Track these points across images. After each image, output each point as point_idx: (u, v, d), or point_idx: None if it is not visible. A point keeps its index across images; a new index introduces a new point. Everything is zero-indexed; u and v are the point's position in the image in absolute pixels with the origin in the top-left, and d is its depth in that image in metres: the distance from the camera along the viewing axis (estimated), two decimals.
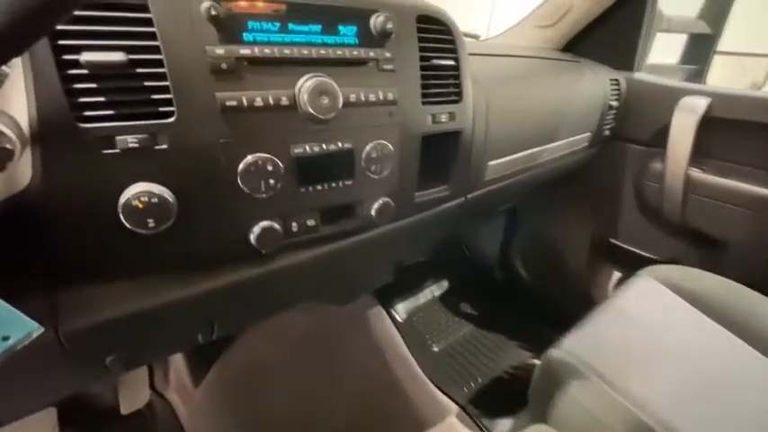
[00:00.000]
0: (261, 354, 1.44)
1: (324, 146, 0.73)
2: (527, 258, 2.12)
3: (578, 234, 1.84)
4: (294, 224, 0.78)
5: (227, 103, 0.62)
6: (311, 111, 0.67)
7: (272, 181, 0.70)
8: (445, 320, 2.01)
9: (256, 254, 0.73)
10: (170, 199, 0.60)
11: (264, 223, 0.72)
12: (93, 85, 0.55)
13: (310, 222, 0.79)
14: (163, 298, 0.68)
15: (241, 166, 0.66)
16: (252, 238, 0.71)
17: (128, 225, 0.59)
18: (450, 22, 0.87)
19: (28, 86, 0.52)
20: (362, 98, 0.74)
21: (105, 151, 0.57)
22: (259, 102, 0.64)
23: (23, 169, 0.54)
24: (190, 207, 0.65)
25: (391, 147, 0.81)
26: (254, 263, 0.77)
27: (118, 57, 0.55)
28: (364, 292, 1.57)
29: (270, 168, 0.68)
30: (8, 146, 0.52)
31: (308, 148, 0.72)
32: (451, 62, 0.82)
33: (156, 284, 0.67)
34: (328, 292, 1.06)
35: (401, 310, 1.95)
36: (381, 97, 0.76)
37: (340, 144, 0.75)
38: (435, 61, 0.84)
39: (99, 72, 0.55)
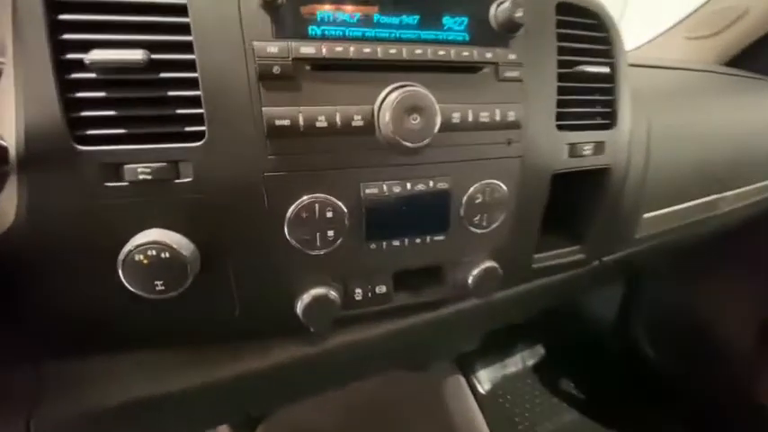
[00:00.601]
0: (312, 417, 1.23)
1: (408, 185, 0.50)
2: (657, 333, 1.62)
3: (742, 313, 1.34)
4: (358, 291, 0.55)
5: (278, 123, 0.43)
6: (395, 136, 0.44)
7: (331, 233, 0.48)
8: (540, 399, 1.61)
9: (304, 329, 0.51)
10: (185, 254, 0.42)
11: (317, 291, 0.50)
12: (100, 94, 0.40)
13: (380, 289, 0.56)
14: (174, 384, 0.50)
15: (291, 212, 0.46)
16: (299, 309, 0.50)
17: (128, 286, 0.42)
18: (605, 14, 0.60)
19: (18, 95, 0.38)
20: (470, 118, 0.50)
21: (109, 184, 0.41)
22: (322, 122, 0.44)
23: (6, 205, 0.40)
24: (216, 265, 0.46)
25: (506, 189, 0.55)
26: (302, 340, 0.56)
27: (136, 55, 0.39)
28: (442, 360, 1.27)
29: (330, 215, 0.47)
30: None
31: (385, 188, 0.49)
32: (605, 70, 0.54)
33: (167, 365, 0.50)
34: (396, 365, 0.80)
35: (484, 378, 1.61)
36: (498, 118, 0.51)
37: (432, 184, 0.52)
38: (582, 68, 0.57)
39: (109, 77, 0.40)
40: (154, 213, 0.43)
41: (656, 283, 1.63)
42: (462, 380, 1.59)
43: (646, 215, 0.76)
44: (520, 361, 1.76)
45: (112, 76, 0.40)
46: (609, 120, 0.61)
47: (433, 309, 0.64)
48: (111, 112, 0.41)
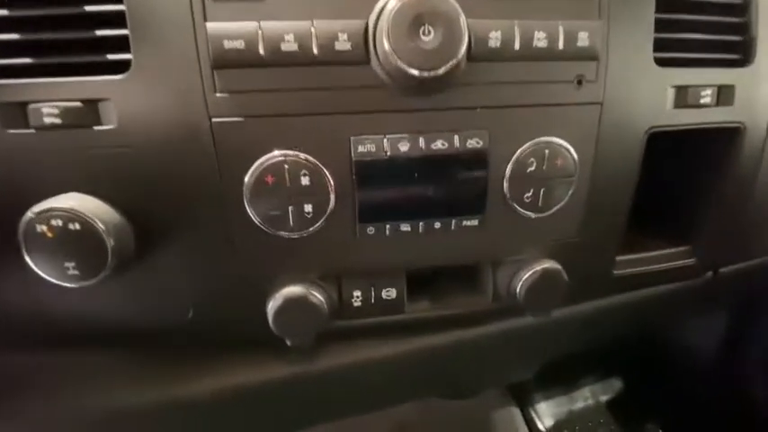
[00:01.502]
0: None
1: (422, 142, 0.35)
2: None
3: None
4: (357, 294, 0.40)
5: (228, 45, 0.30)
6: (397, 60, 0.29)
7: (308, 208, 0.34)
8: None
9: (279, 343, 0.38)
10: (102, 226, 0.30)
11: (292, 290, 0.36)
12: (3, 13, 0.30)
13: (388, 294, 0.41)
14: (125, 398, 0.38)
15: (251, 175, 0.32)
16: (269, 313, 0.36)
17: (33, 267, 0.31)
18: None
19: None
20: (518, 41, 0.33)
21: (11, 131, 0.31)
22: (291, 43, 0.31)
23: None
24: (156, 249, 0.34)
25: (574, 153, 0.37)
26: (280, 357, 0.41)
27: None
28: (490, 388, 1.06)
29: (306, 182, 0.33)
30: None
31: (387, 145, 0.34)
32: None
33: (117, 375, 0.39)
34: (427, 392, 0.63)
35: (545, 413, 1.36)
36: (563, 42, 0.34)
37: (458, 141, 0.35)
38: None
39: None
40: (68, 173, 0.33)
41: None
42: (518, 412, 1.35)
43: None
44: (590, 395, 1.48)
45: None
46: (740, 53, 0.41)
47: (466, 325, 0.47)
48: (12, 36, 0.30)
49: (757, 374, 1.39)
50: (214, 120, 0.32)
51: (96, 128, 0.32)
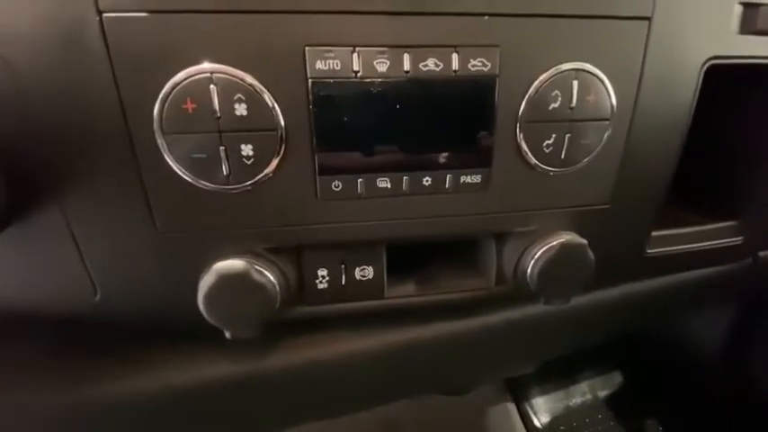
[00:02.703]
0: None
1: (407, 60, 0.25)
2: None
3: None
4: (322, 273, 0.31)
5: None
6: None
7: (248, 148, 0.24)
8: None
9: (218, 335, 0.28)
10: None
11: (229, 265, 0.27)
12: None
13: (363, 273, 0.32)
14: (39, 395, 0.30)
15: (162, 100, 0.22)
16: (199, 297, 0.27)
17: None
18: None
19: None
20: None
21: None
22: None
23: None
24: (31, 198, 0.24)
25: (609, 86, 0.27)
26: (216, 352, 0.32)
27: None
28: (484, 384, 0.99)
29: (242, 111, 0.24)
30: None
31: (356, 63, 0.24)
32: None
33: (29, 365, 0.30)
34: (410, 394, 0.55)
35: (542, 408, 1.30)
36: None
37: (458, 60, 0.25)
38: None
39: None
40: None
41: None
42: (513, 408, 1.29)
43: None
44: (588, 390, 1.44)
45: None
46: None
47: (461, 315, 0.38)
48: None
49: (760, 370, 1.33)
50: (105, 15, 0.22)
51: None
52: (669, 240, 0.38)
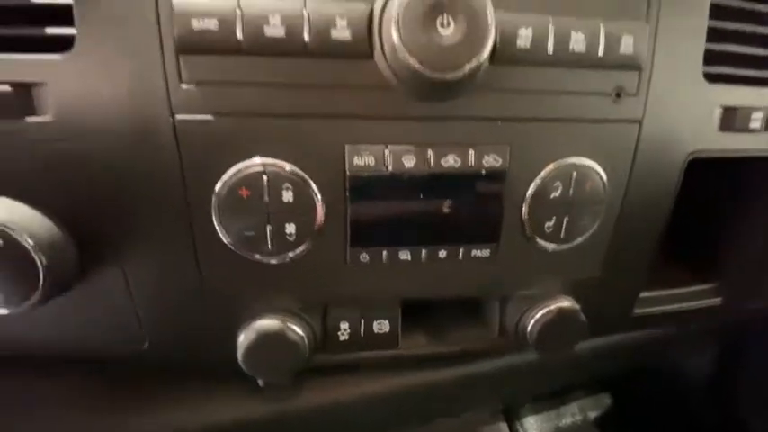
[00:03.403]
0: None
1: (431, 156, 0.29)
2: None
3: None
4: (344, 326, 0.34)
5: (197, 25, 0.24)
6: (408, 56, 0.24)
7: (291, 228, 0.28)
8: None
9: (251, 380, 0.32)
10: (32, 241, 0.25)
11: (266, 324, 0.31)
12: None
13: (380, 326, 0.36)
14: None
15: (221, 186, 0.27)
16: (238, 349, 0.31)
17: None
18: None
19: None
20: (551, 42, 0.28)
21: None
22: (277, 27, 0.25)
23: None
24: (103, 267, 0.28)
25: (605, 177, 0.31)
26: (252, 394, 0.36)
27: None
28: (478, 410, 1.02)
29: (289, 197, 0.28)
30: None
31: (388, 157, 0.28)
32: None
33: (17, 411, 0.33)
34: (418, 423, 0.58)
35: (533, 428, 1.31)
36: (603, 47, 0.28)
37: (474, 156, 0.30)
38: None
39: None
40: None
41: None
42: (505, 427, 1.31)
43: None
44: (578, 410, 1.45)
45: None
46: None
47: (466, 361, 0.41)
48: None
49: (747, 395, 1.36)
50: (178, 117, 0.26)
51: (29, 119, 0.25)
52: (655, 301, 0.42)
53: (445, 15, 0.24)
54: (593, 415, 1.52)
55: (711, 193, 0.42)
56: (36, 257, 0.25)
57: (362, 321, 0.35)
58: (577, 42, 0.28)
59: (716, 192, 0.42)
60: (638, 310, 0.41)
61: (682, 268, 0.46)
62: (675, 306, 0.42)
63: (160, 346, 0.32)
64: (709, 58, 0.33)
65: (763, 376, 1.33)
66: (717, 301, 0.44)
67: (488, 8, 0.24)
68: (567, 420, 1.48)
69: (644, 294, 0.41)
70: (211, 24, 0.24)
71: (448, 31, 0.24)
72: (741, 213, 0.42)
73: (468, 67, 0.25)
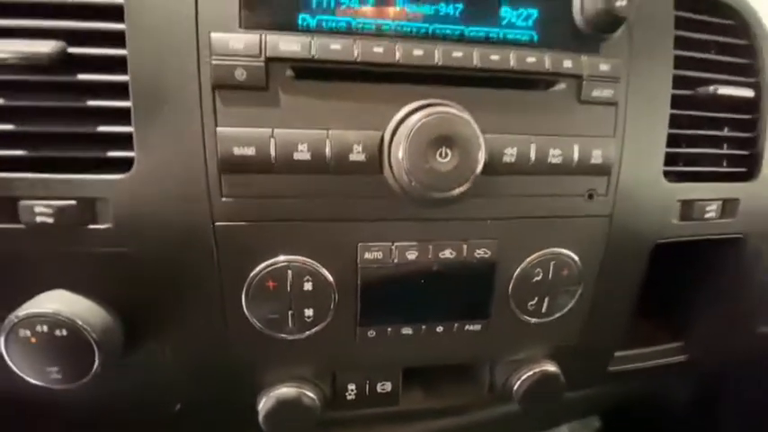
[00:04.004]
0: None
1: (430, 251, 0.34)
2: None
3: None
4: (351, 388, 0.39)
5: (238, 152, 0.29)
6: (413, 180, 0.29)
7: (309, 312, 0.33)
8: None
9: None
10: (94, 333, 0.29)
11: (285, 392, 0.35)
12: None
13: (383, 387, 0.40)
14: None
15: (251, 279, 0.31)
16: (260, 412, 0.35)
17: (14, 369, 0.29)
18: (747, 11, 0.40)
19: None
20: (533, 157, 0.33)
21: (1, 225, 0.29)
22: (304, 153, 0.30)
23: None
24: (146, 344, 0.33)
25: (580, 264, 0.37)
26: None
27: (43, 47, 0.27)
28: None
29: (309, 287, 0.33)
30: None
31: (394, 253, 0.34)
32: (746, 93, 0.35)
33: None
34: None
35: None
36: (577, 158, 0.34)
37: (467, 250, 0.35)
38: (710, 89, 0.38)
39: (7, 77, 0.28)
40: (59, 269, 0.31)
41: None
42: None
43: None
44: None
45: (13, 76, 0.28)
46: (746, 167, 0.41)
47: (459, 413, 0.46)
48: (8, 126, 0.29)
49: (728, 416, 1.41)
50: (217, 224, 0.31)
51: (91, 226, 0.30)
52: (628, 359, 0.47)
53: (444, 148, 0.29)
54: None
55: (678, 264, 0.47)
56: (93, 344, 0.30)
57: (368, 384, 0.40)
58: (555, 156, 0.33)
59: (681, 264, 0.47)
60: (612, 368, 0.46)
61: (656, 325, 0.52)
62: (646, 363, 0.47)
63: (190, 409, 0.37)
64: (669, 160, 0.38)
65: (745, 396, 1.38)
66: (683, 358, 0.49)
67: (480, 141, 0.30)
68: None
69: (618, 354, 0.46)
70: (249, 151, 0.29)
71: (445, 160, 0.30)
72: (701, 283, 0.47)
73: (458, 190, 0.30)
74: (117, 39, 0.29)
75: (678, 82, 0.38)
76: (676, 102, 0.38)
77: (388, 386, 0.40)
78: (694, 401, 1.49)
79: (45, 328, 0.29)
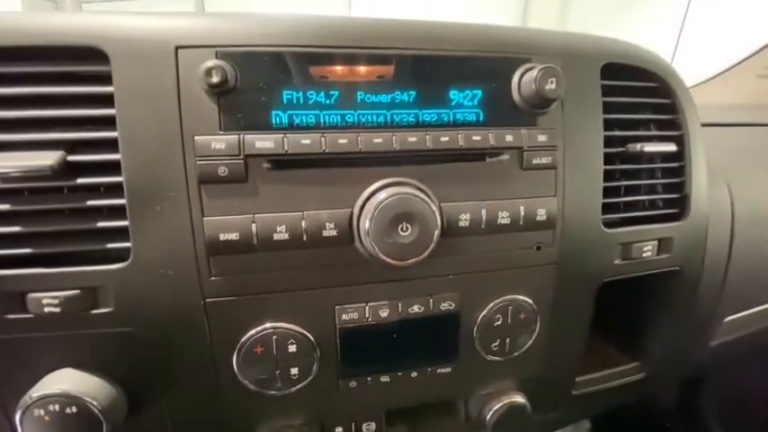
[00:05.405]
0: None
1: (400, 308, 0.39)
2: (737, 421, 1.34)
3: None
4: (339, 430, 0.43)
5: (223, 237, 0.33)
6: (378, 252, 0.33)
7: (294, 371, 0.37)
8: None
9: None
10: (100, 407, 0.33)
11: None
12: (4, 207, 0.32)
13: (368, 427, 0.44)
14: None
15: (240, 346, 0.35)
16: None
17: None
18: (668, 73, 0.46)
19: None
20: (485, 220, 0.37)
21: (11, 316, 0.32)
22: (283, 233, 0.34)
23: None
24: (148, 410, 0.36)
25: (534, 305, 0.42)
26: None
27: (44, 160, 0.31)
28: None
29: (293, 349, 0.37)
30: None
31: (368, 312, 0.38)
32: (670, 148, 0.40)
33: None
34: None
35: None
36: (524, 217, 0.39)
37: (432, 304, 0.39)
38: (637, 147, 0.43)
39: (14, 185, 0.32)
40: (66, 350, 0.34)
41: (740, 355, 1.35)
42: None
43: (727, 318, 0.58)
44: None
45: (19, 184, 0.32)
46: (677, 208, 0.46)
47: None
48: (16, 228, 0.32)
49: (717, 415, 1.48)
50: (207, 300, 0.35)
51: (94, 312, 0.33)
52: (590, 383, 0.51)
53: (404, 224, 0.34)
54: None
55: (633, 294, 0.53)
56: (101, 416, 0.33)
57: (353, 426, 0.44)
58: (503, 218, 0.38)
59: (635, 293, 0.53)
60: (575, 392, 0.51)
61: (619, 349, 0.57)
62: (606, 384, 0.52)
63: None
64: (609, 208, 0.43)
65: (730, 396, 1.45)
66: (641, 375, 0.54)
67: (436, 217, 0.34)
68: None
69: (579, 379, 0.51)
70: (233, 236, 0.33)
71: (406, 233, 0.34)
72: (652, 309, 0.53)
73: (417, 259, 0.34)
74: (111, 144, 0.33)
75: (610, 141, 0.43)
76: (611, 158, 0.43)
77: (372, 426, 0.44)
78: (677, 403, 1.56)
79: (57, 407, 0.32)
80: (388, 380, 0.41)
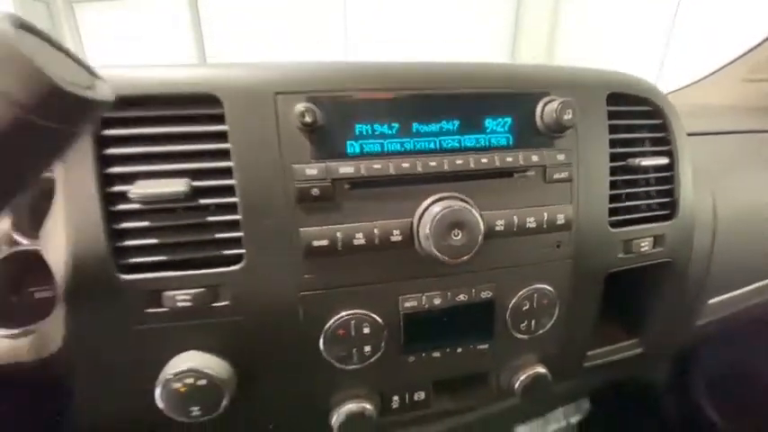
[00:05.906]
0: None
1: (449, 296, 0.48)
2: (723, 396, 1.46)
3: None
4: (395, 399, 0.52)
5: (315, 244, 0.42)
6: (435, 252, 0.42)
7: (368, 348, 0.46)
8: None
9: None
10: (222, 379, 0.41)
11: (352, 407, 0.48)
12: (144, 224, 0.41)
13: (419, 396, 0.53)
14: None
15: (326, 329, 0.44)
16: (334, 425, 0.48)
17: (165, 411, 0.41)
18: (660, 99, 0.56)
19: (66, 226, 0.39)
20: (516, 225, 0.47)
21: (149, 310, 0.41)
22: (360, 239, 0.43)
23: (53, 331, 0.41)
24: (252, 384, 0.45)
25: (555, 293, 0.51)
26: None
27: (178, 187, 0.39)
28: None
29: (367, 331, 0.45)
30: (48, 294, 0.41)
31: (425, 300, 0.47)
32: (662, 161, 0.49)
33: None
34: None
35: None
36: (546, 221, 0.48)
37: (474, 293, 0.48)
38: (636, 161, 0.53)
39: (152, 206, 0.40)
40: (192, 336, 0.43)
41: (724, 338, 1.47)
42: None
43: (711, 301, 0.68)
44: (562, 416, 1.63)
45: (156, 206, 0.41)
46: (668, 210, 0.56)
47: (474, 410, 0.60)
48: (153, 240, 0.41)
49: (705, 391, 1.61)
50: (301, 293, 0.44)
51: (214, 305, 0.42)
52: (597, 356, 0.61)
53: (456, 230, 0.43)
54: (574, 420, 1.70)
55: (634, 281, 0.63)
56: (224, 390, 0.42)
57: (407, 394, 0.53)
58: (530, 223, 0.47)
59: (636, 281, 0.62)
60: (586, 364, 0.61)
61: (623, 328, 0.67)
62: (611, 357, 0.62)
63: (279, 428, 0.49)
64: (614, 211, 0.53)
65: (717, 373, 1.58)
66: (639, 350, 0.64)
67: (481, 224, 0.43)
68: (553, 426, 1.65)
69: (589, 353, 0.61)
70: (323, 242, 0.42)
71: (458, 237, 0.43)
72: (648, 294, 0.63)
73: (466, 257, 0.43)
74: (226, 172, 0.41)
75: (613, 157, 0.52)
76: (614, 170, 0.53)
77: (422, 395, 0.54)
78: (669, 381, 1.69)
79: (191, 380, 0.41)
80: (439, 355, 0.50)
